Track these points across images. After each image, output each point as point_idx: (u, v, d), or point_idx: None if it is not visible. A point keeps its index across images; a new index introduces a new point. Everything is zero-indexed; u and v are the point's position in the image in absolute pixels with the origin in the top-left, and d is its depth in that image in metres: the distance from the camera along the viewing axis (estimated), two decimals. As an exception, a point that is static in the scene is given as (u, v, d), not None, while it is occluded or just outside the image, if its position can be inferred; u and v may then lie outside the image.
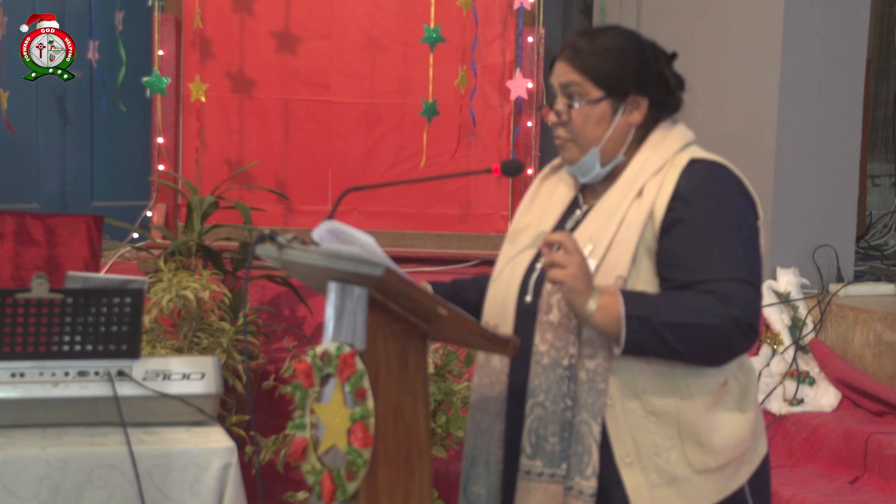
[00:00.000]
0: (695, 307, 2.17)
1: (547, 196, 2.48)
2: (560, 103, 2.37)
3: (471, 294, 2.51)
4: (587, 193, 2.44)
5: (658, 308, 2.17)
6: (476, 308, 2.45)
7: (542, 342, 2.29)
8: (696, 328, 2.17)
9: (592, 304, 2.17)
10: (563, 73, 2.36)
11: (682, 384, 2.25)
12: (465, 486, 2.46)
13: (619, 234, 2.26)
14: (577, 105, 2.34)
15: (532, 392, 2.30)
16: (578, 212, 2.41)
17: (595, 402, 2.24)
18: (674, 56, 2.41)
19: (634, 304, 2.17)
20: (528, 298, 2.34)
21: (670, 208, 2.26)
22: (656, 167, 2.31)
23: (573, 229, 2.37)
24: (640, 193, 2.29)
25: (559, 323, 2.27)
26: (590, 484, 2.24)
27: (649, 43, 2.40)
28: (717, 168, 2.31)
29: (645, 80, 2.35)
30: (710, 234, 2.23)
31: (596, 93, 2.33)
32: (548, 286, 2.30)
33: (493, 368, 2.41)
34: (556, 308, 2.28)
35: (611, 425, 2.25)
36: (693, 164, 2.30)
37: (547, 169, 2.54)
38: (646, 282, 2.25)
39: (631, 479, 2.24)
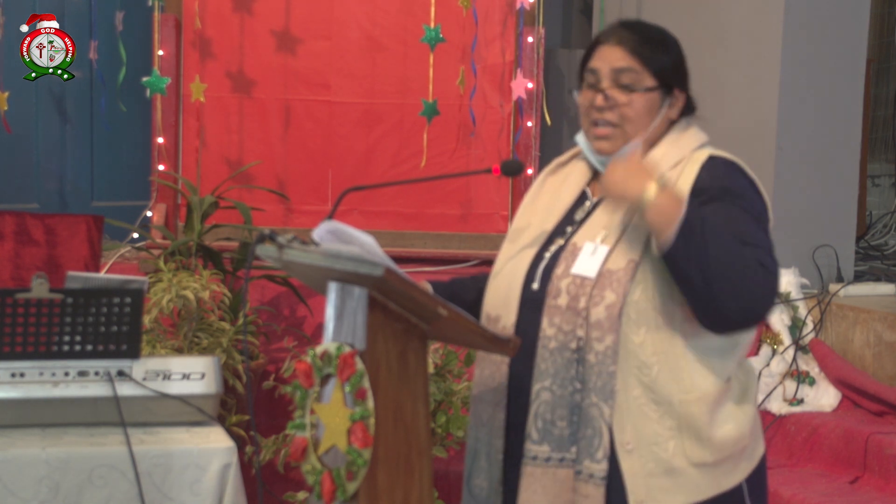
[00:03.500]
0: (745, 247, 2.16)
1: (552, 192, 2.47)
2: (610, 87, 2.33)
3: (469, 293, 2.51)
4: (595, 187, 2.43)
5: (712, 234, 2.13)
6: (474, 307, 2.45)
7: (550, 326, 2.29)
8: (733, 265, 2.14)
9: (651, 191, 2.15)
10: (619, 57, 2.33)
11: (687, 377, 2.26)
12: (469, 480, 2.46)
13: (633, 220, 2.26)
14: (636, 90, 2.32)
15: (538, 376, 2.30)
16: (588, 203, 2.41)
17: (606, 384, 2.24)
18: None
19: (695, 214, 2.14)
20: (535, 286, 2.34)
21: (690, 200, 2.26)
22: (674, 161, 2.32)
23: (583, 220, 2.37)
24: None
25: (567, 306, 2.27)
26: (601, 467, 2.24)
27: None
28: (736, 167, 2.34)
29: (686, 77, 2.39)
30: (740, 212, 2.24)
31: (650, 81, 2.33)
32: (557, 271, 2.30)
33: (492, 359, 2.41)
34: (565, 292, 2.28)
35: (614, 412, 2.25)
36: (713, 160, 2.32)
37: (553, 165, 2.52)
38: (657, 270, 2.24)
39: (629, 466, 2.24)
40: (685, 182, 2.28)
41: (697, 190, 2.27)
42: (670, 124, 2.38)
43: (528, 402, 2.32)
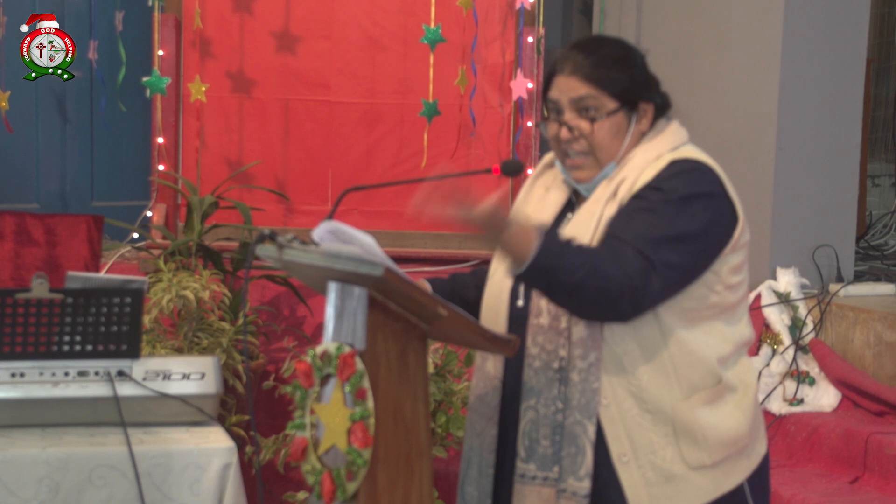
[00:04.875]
0: (596, 265, 2.14)
1: (540, 196, 2.47)
2: (573, 118, 2.31)
3: (469, 290, 2.51)
4: (578, 197, 2.43)
5: (562, 266, 2.12)
6: (475, 303, 2.46)
7: (534, 345, 2.30)
8: (587, 289, 2.14)
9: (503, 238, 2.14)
10: (574, 87, 2.30)
11: (675, 382, 2.26)
12: (462, 485, 2.47)
13: (597, 234, 2.26)
14: (595, 118, 2.30)
15: (525, 395, 2.31)
16: (570, 215, 2.40)
17: (589, 402, 2.24)
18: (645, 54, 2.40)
19: (545, 253, 2.12)
20: (520, 303, 2.35)
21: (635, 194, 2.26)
22: (639, 168, 2.30)
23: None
24: (615, 193, 2.29)
25: (549, 326, 2.28)
26: (583, 485, 2.24)
27: (636, 47, 2.39)
28: (693, 166, 2.29)
29: (647, 86, 2.35)
30: (644, 208, 2.21)
31: (612, 104, 2.30)
32: None
33: (486, 373, 2.42)
34: (546, 311, 2.28)
35: (607, 425, 2.25)
36: (672, 164, 2.28)
37: (540, 166, 2.51)
38: None
39: (628, 477, 2.25)
40: (637, 185, 2.26)
41: (644, 187, 2.26)
42: (643, 134, 2.36)
43: (517, 420, 2.33)
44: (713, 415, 2.28)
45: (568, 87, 2.31)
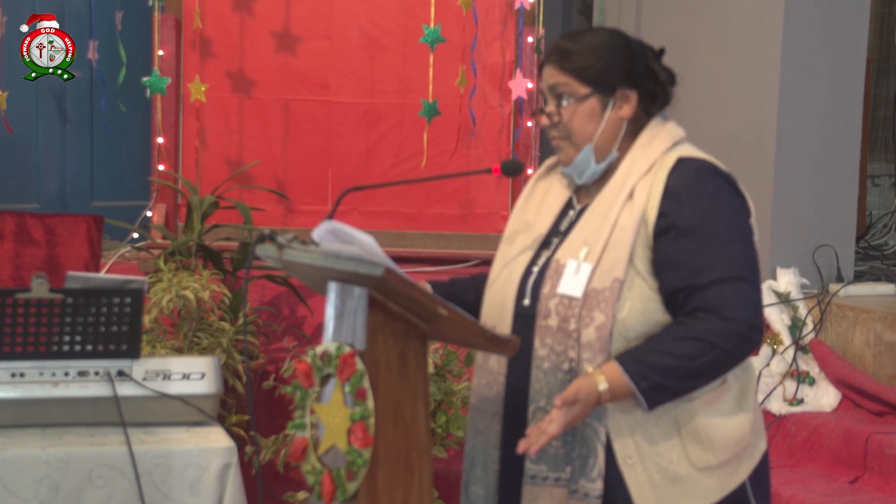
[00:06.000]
0: (697, 343, 2.19)
1: (541, 197, 2.49)
2: (550, 105, 2.39)
3: (469, 294, 2.52)
4: (580, 194, 2.45)
5: (663, 366, 2.19)
6: (474, 307, 2.46)
7: (542, 347, 2.30)
8: (705, 367, 2.21)
9: (602, 385, 2.20)
10: (551, 75, 2.38)
11: None
12: (466, 486, 2.47)
13: (613, 237, 2.27)
14: (565, 103, 2.36)
15: (533, 397, 2.31)
16: (572, 213, 2.42)
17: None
18: (662, 51, 2.43)
19: (640, 373, 2.19)
20: (526, 302, 2.35)
21: (662, 211, 2.27)
22: (645, 167, 2.32)
23: (567, 231, 2.38)
24: (630, 195, 2.30)
25: (558, 327, 2.28)
26: (595, 486, 2.25)
27: (636, 39, 2.42)
28: (705, 166, 2.33)
29: (632, 73, 2.37)
30: (705, 233, 2.24)
31: (583, 90, 2.35)
32: (545, 290, 2.31)
33: (490, 370, 2.41)
34: (555, 312, 2.28)
35: (612, 427, 2.25)
36: (681, 163, 2.31)
37: (542, 168, 2.54)
38: (641, 284, 2.25)
39: (633, 479, 2.25)
40: (656, 192, 2.29)
41: (667, 197, 2.27)
42: (638, 123, 2.38)
43: (524, 420, 2.32)
44: (716, 415, 2.29)
45: (548, 76, 2.40)
